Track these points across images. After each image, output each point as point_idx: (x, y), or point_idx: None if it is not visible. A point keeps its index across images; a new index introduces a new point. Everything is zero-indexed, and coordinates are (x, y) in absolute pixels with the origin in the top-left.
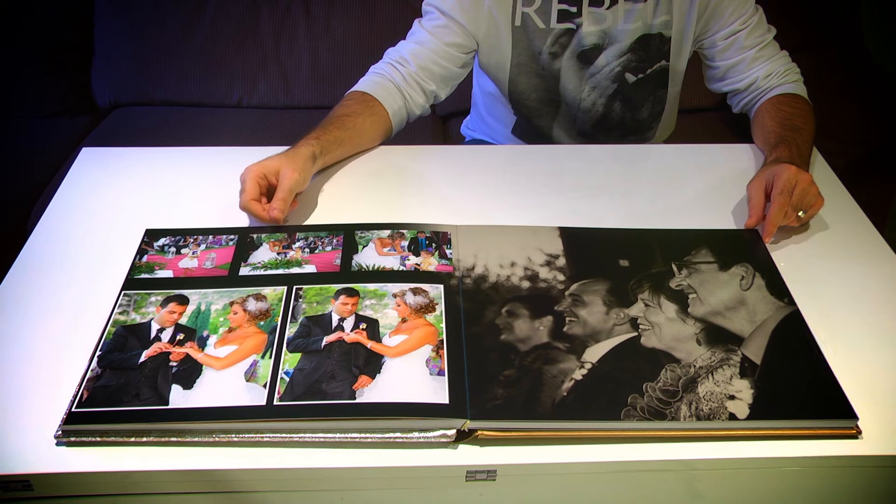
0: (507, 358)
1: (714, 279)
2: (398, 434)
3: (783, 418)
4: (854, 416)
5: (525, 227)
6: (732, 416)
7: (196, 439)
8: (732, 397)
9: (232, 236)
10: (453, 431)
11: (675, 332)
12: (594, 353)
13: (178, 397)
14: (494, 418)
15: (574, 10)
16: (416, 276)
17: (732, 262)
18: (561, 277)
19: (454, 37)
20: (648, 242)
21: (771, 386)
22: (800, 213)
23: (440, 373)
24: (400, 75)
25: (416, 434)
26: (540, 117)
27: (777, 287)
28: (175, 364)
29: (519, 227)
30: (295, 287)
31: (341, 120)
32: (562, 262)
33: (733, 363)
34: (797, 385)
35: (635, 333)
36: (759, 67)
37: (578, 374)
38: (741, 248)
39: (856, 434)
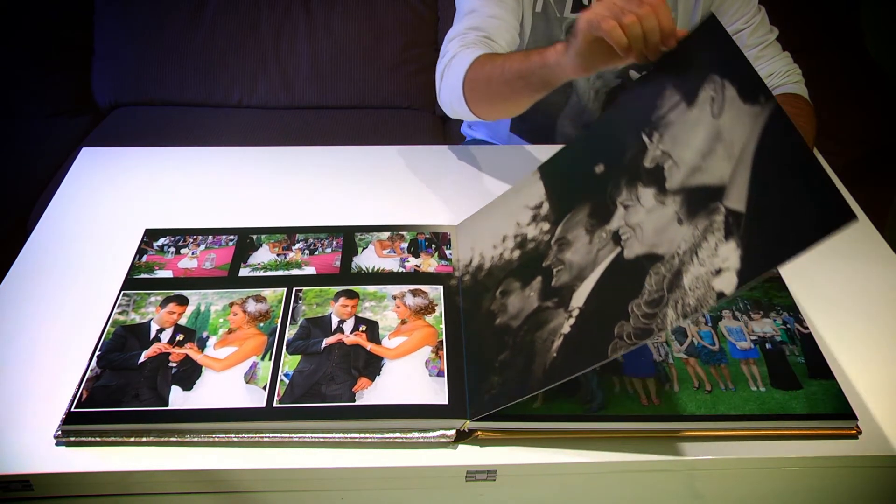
0: (502, 341)
1: (684, 123)
2: (398, 434)
3: (777, 259)
4: (853, 417)
5: (511, 189)
6: (721, 295)
7: (196, 439)
8: (719, 272)
9: (231, 237)
10: (453, 432)
11: (656, 223)
12: (580, 297)
13: (178, 398)
14: (491, 409)
15: (587, 3)
16: (415, 277)
17: (699, 80)
18: (546, 227)
19: (516, 17)
20: (619, 120)
21: (759, 233)
22: None
23: (440, 374)
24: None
25: (415, 434)
26: (547, 106)
27: (750, 87)
28: (175, 365)
29: (506, 193)
30: (295, 289)
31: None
32: (545, 208)
33: (717, 226)
34: (787, 216)
35: (618, 249)
36: (760, 67)
37: (566, 327)
38: (702, 49)
39: (855, 434)
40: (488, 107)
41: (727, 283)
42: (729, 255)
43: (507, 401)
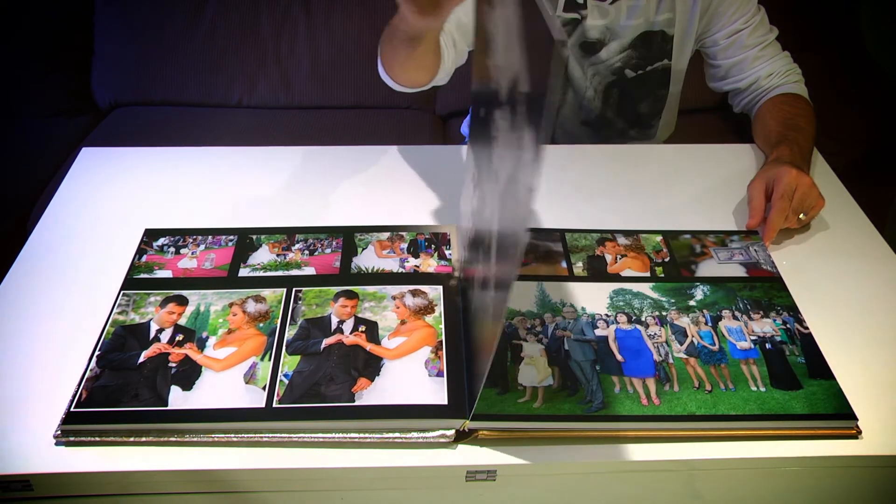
0: (475, 328)
1: (496, 30)
2: (397, 434)
3: None
4: (854, 417)
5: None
6: (529, 190)
7: (195, 439)
8: (520, 165)
9: (231, 237)
10: (452, 432)
11: (504, 142)
12: (494, 252)
13: (178, 398)
14: (473, 403)
15: (581, 0)
16: (415, 277)
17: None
18: (478, 192)
19: None
20: (490, 63)
21: (535, 106)
22: (800, 216)
23: (439, 374)
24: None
25: (415, 434)
26: None
27: None
28: (174, 365)
29: (468, 183)
30: (294, 289)
31: None
32: (475, 174)
33: (522, 118)
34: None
35: (500, 186)
36: (760, 67)
37: (492, 290)
38: None
39: (855, 434)
40: (392, 71)
41: (529, 174)
42: (529, 143)
43: (477, 392)
